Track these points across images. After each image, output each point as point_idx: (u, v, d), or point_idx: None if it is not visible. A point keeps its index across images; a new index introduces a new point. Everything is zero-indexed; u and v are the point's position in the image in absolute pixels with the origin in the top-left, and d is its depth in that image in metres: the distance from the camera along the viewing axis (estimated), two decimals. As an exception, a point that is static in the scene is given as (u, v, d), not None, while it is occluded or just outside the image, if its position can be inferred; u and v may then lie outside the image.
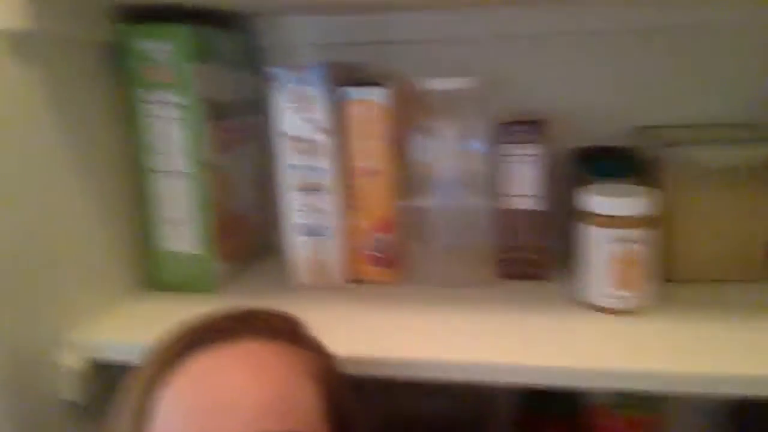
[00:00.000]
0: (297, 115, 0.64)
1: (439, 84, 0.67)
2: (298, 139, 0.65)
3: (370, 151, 0.67)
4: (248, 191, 0.77)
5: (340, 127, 0.66)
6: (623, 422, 0.77)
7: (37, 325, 0.56)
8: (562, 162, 0.74)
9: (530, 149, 0.66)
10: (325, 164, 0.65)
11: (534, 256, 0.69)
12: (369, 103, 0.65)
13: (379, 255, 0.70)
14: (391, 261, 0.70)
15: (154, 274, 0.70)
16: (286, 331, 0.47)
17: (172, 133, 0.65)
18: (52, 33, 0.55)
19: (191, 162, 0.66)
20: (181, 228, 0.68)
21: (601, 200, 0.59)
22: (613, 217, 0.58)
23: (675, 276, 0.66)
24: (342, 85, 0.66)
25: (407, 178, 0.69)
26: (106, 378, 0.60)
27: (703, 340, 0.54)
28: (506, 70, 0.77)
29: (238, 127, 0.74)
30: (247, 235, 0.77)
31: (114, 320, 0.63)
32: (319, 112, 0.64)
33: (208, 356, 0.42)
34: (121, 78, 0.65)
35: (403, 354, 0.54)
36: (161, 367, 0.42)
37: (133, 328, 0.62)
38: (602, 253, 0.60)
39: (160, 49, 0.63)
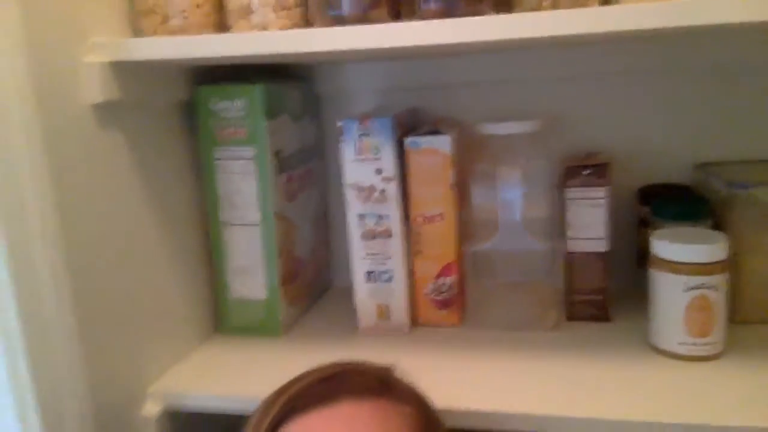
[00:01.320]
0: (364, 165, 0.66)
1: (500, 128, 0.67)
2: (364, 189, 0.66)
3: (434, 197, 0.68)
4: (309, 235, 0.79)
5: (404, 175, 0.67)
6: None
7: (120, 377, 0.57)
8: (624, 202, 0.74)
9: (597, 192, 0.66)
10: (390, 212, 0.67)
11: (599, 298, 0.69)
12: (433, 151, 0.66)
13: (442, 299, 0.70)
14: (455, 304, 0.70)
15: (224, 320, 0.72)
16: (382, 388, 0.46)
17: (244, 186, 0.67)
18: (133, 100, 0.58)
19: (261, 213, 0.67)
20: (250, 275, 0.70)
21: (675, 247, 0.59)
22: (687, 264, 0.58)
23: (739, 317, 0.65)
24: (406, 134, 0.67)
25: (471, 222, 0.70)
26: (182, 423, 0.62)
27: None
28: (565, 110, 0.77)
29: (301, 175, 0.76)
30: (309, 277, 0.79)
31: (189, 368, 0.65)
32: (385, 162, 0.65)
33: (304, 422, 0.42)
34: (197, 136, 0.68)
35: (471, 405, 0.54)
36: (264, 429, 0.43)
37: (209, 377, 0.63)
38: (676, 299, 0.59)
39: (235, 107, 0.65)
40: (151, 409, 0.60)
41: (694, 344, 0.59)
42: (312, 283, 0.80)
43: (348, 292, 0.82)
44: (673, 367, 0.59)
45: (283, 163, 0.70)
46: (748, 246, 0.64)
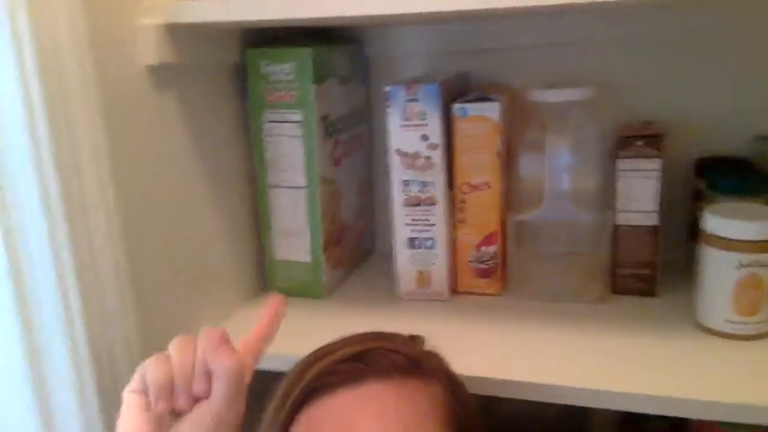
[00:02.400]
0: (410, 131, 0.65)
1: (552, 96, 0.66)
2: (410, 155, 0.66)
3: (481, 165, 0.67)
4: (353, 200, 0.79)
5: (450, 142, 0.67)
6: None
7: (169, 331, 0.59)
8: (679, 173, 0.72)
9: (649, 164, 0.64)
10: (436, 179, 0.66)
11: (647, 272, 0.68)
12: (481, 118, 0.66)
13: (484, 267, 0.70)
14: (496, 273, 0.70)
15: (269, 281, 0.74)
16: (411, 368, 0.45)
17: (291, 149, 0.68)
18: (186, 63, 0.59)
19: (308, 176, 0.68)
20: (295, 238, 0.71)
21: (727, 222, 0.57)
22: (739, 241, 0.56)
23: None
24: (454, 100, 0.67)
25: (517, 192, 0.69)
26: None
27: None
28: (620, 77, 0.74)
29: (348, 139, 0.76)
30: (352, 242, 0.80)
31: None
32: (432, 129, 0.65)
33: (332, 401, 0.42)
34: (247, 98, 0.69)
35: (510, 375, 0.54)
36: (288, 407, 0.43)
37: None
38: (726, 277, 0.58)
39: (284, 70, 0.65)
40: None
41: (743, 323, 0.58)
42: (355, 247, 0.81)
43: (390, 258, 0.83)
44: (718, 345, 0.58)
45: (330, 127, 0.70)
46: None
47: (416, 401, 0.43)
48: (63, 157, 0.47)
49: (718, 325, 0.59)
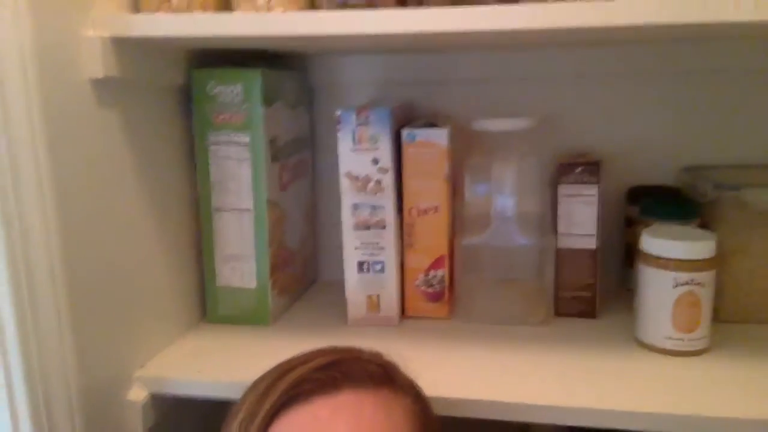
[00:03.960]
0: (360, 155, 0.66)
1: (496, 125, 0.68)
2: (360, 179, 0.66)
3: (429, 189, 0.68)
4: (299, 226, 0.78)
5: (399, 167, 0.68)
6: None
7: (107, 361, 0.56)
8: (612, 201, 0.76)
9: (589, 189, 0.67)
10: (386, 203, 0.67)
11: (588, 294, 0.70)
12: (430, 144, 0.67)
13: (432, 291, 0.71)
14: (444, 297, 0.70)
15: (211, 308, 0.71)
16: (383, 377, 0.45)
17: (238, 172, 0.66)
18: (131, 79, 0.57)
19: (255, 200, 0.67)
20: (240, 263, 0.69)
21: (665, 243, 0.60)
22: (677, 260, 0.59)
23: (721, 316, 0.66)
24: (403, 126, 0.68)
25: (463, 216, 0.70)
26: (167, 407, 0.61)
27: (765, 385, 0.55)
28: (558, 109, 0.78)
29: (294, 164, 0.75)
30: (297, 269, 0.78)
31: (176, 354, 0.64)
32: (383, 152, 0.65)
33: (306, 410, 0.42)
34: (192, 120, 0.67)
35: (460, 395, 0.54)
36: (258, 422, 0.42)
37: (196, 363, 0.62)
38: (665, 295, 0.60)
39: (232, 92, 0.64)
40: (138, 393, 0.59)
41: (681, 339, 0.60)
42: (300, 274, 0.80)
43: (334, 286, 0.82)
44: (659, 361, 0.60)
45: (277, 151, 0.70)
46: (734, 247, 0.65)
47: (390, 411, 0.44)
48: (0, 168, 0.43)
49: (658, 341, 0.61)
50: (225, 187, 0.67)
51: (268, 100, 0.67)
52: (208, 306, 0.71)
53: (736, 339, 0.63)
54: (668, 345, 0.61)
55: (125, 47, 0.55)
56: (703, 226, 0.68)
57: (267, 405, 0.42)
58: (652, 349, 0.62)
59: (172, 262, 0.66)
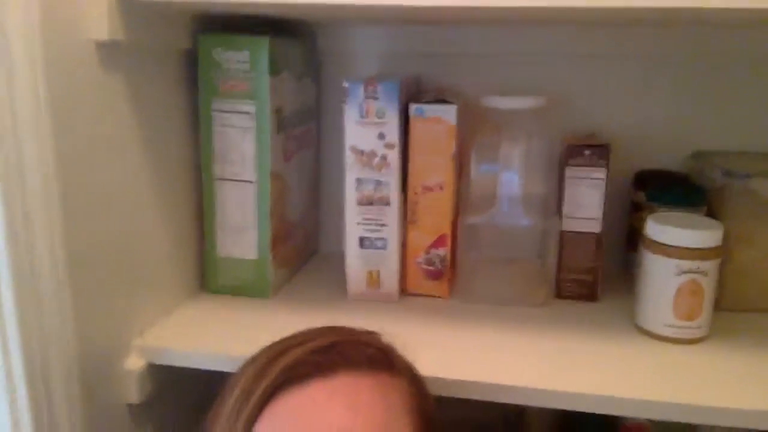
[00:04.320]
0: (366, 129, 0.65)
1: (506, 102, 0.67)
2: (366, 154, 0.65)
3: (435, 167, 0.67)
4: (301, 198, 0.78)
5: (405, 142, 0.67)
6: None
7: (104, 329, 0.56)
8: (618, 185, 0.75)
9: (596, 173, 0.66)
10: (391, 179, 0.66)
11: (590, 278, 0.70)
12: (438, 120, 0.66)
13: (433, 269, 0.70)
14: (445, 276, 0.70)
15: (211, 279, 0.70)
16: (380, 360, 0.45)
17: (242, 142, 0.65)
18: (136, 42, 0.55)
19: (258, 171, 0.66)
20: (241, 234, 0.68)
21: (670, 230, 0.60)
22: (681, 248, 0.59)
23: (723, 305, 0.66)
24: (410, 101, 0.66)
25: (468, 195, 0.69)
26: (164, 377, 0.61)
27: (761, 375, 0.55)
28: (568, 89, 0.77)
29: (299, 135, 0.74)
30: (298, 241, 0.78)
31: (175, 324, 0.64)
32: (390, 127, 0.64)
33: (303, 393, 0.41)
34: (198, 86, 0.66)
35: (457, 375, 0.54)
36: (254, 401, 0.41)
37: (194, 333, 0.62)
38: (667, 282, 0.60)
39: (238, 59, 0.63)
40: (135, 362, 0.59)
41: (681, 327, 0.60)
42: (301, 246, 0.79)
43: (335, 258, 0.82)
44: (658, 348, 0.60)
45: (282, 121, 0.68)
46: (740, 236, 0.65)
47: (386, 393, 0.43)
48: (3, 130, 0.42)
49: (658, 328, 0.61)
50: (228, 157, 0.66)
51: (275, 69, 0.65)
52: (208, 276, 0.71)
53: (736, 328, 0.64)
54: (668, 332, 0.61)
55: (131, 10, 0.53)
56: (710, 213, 0.67)
57: (263, 385, 0.42)
58: (651, 336, 0.62)
59: (171, 230, 0.65)
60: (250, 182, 0.67)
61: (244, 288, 0.70)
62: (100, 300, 0.55)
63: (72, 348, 0.51)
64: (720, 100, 0.75)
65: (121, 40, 0.53)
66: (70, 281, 0.50)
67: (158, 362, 0.59)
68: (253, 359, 0.45)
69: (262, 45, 0.63)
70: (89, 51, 0.51)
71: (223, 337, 0.61)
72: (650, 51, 0.74)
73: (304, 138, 0.77)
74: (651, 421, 0.78)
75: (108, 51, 0.53)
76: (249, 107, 0.65)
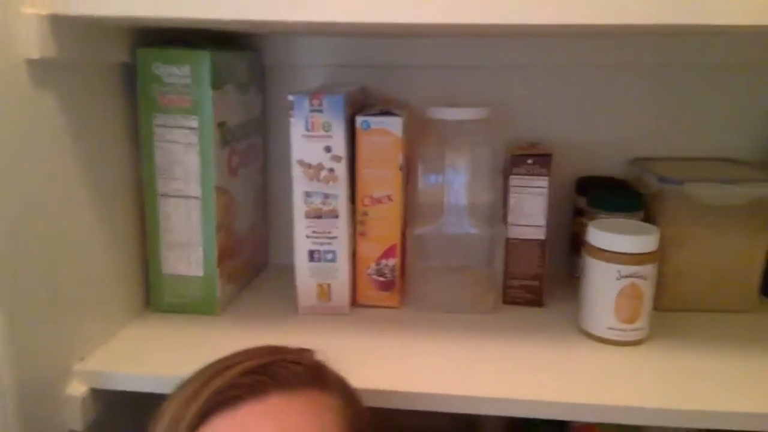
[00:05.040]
0: (313, 142, 0.64)
1: (451, 114, 0.68)
2: (313, 167, 0.65)
3: (383, 178, 0.67)
4: (248, 212, 0.77)
5: (352, 154, 0.67)
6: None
7: (44, 354, 0.54)
8: (560, 191, 0.77)
9: (539, 181, 0.68)
10: (339, 191, 0.66)
11: (536, 284, 0.72)
12: (384, 132, 0.66)
13: (384, 280, 0.70)
14: (396, 286, 0.71)
15: (156, 297, 0.69)
16: (312, 378, 0.45)
17: (186, 157, 0.64)
18: (70, 58, 0.53)
19: (203, 186, 0.65)
20: (187, 251, 0.67)
21: (611, 236, 0.61)
22: (621, 253, 0.61)
23: (661, 306, 0.69)
24: (356, 113, 0.67)
25: (415, 205, 0.70)
26: (109, 402, 0.60)
27: (701, 374, 0.57)
28: (509, 98, 0.79)
29: (245, 149, 0.73)
30: (246, 255, 0.77)
31: (118, 347, 0.62)
32: (336, 140, 0.64)
33: (234, 417, 0.41)
34: (137, 101, 0.64)
35: (408, 387, 0.55)
36: (184, 427, 0.40)
37: (140, 356, 0.60)
38: (608, 287, 0.62)
39: (178, 73, 0.62)
40: (77, 388, 0.57)
41: (623, 330, 0.62)
42: (249, 261, 0.78)
43: (285, 272, 0.81)
44: (601, 350, 0.62)
45: (226, 135, 0.67)
46: (674, 239, 0.68)
47: (318, 413, 0.43)
48: None
49: (601, 331, 0.63)
50: (171, 172, 0.65)
51: (218, 83, 0.64)
52: (153, 295, 0.69)
53: (674, 328, 0.66)
54: (610, 335, 0.63)
55: (64, 26, 0.51)
56: (647, 217, 0.70)
57: (193, 410, 0.41)
58: (595, 339, 0.64)
59: (113, 249, 0.64)
60: (195, 198, 0.65)
61: (192, 306, 0.68)
62: (36, 323, 0.52)
63: (7, 374, 0.49)
64: (658, 108, 0.78)
65: (53, 57, 0.51)
66: (4, 305, 0.48)
67: (102, 387, 0.57)
68: (183, 385, 0.44)
69: (204, 59, 0.62)
70: (20, 69, 0.49)
71: (170, 357, 0.60)
72: (589, 61, 0.77)
73: (250, 151, 0.76)
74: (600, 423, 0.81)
75: (40, 68, 0.51)
76: (192, 122, 0.63)
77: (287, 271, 0.81)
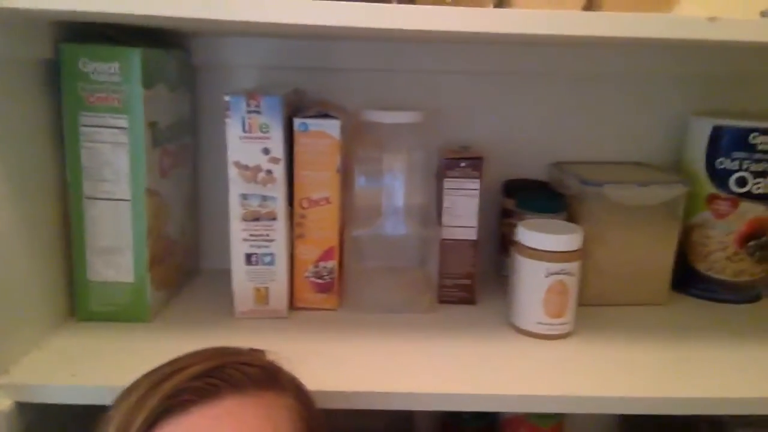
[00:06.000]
0: (250, 144, 0.64)
1: (387, 117, 0.69)
2: (250, 169, 0.64)
3: (321, 181, 0.67)
4: (179, 215, 0.74)
5: (290, 156, 0.66)
6: (532, 430, 0.85)
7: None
8: (489, 193, 0.80)
9: (472, 184, 0.71)
10: (277, 194, 0.65)
11: (468, 282, 0.74)
12: (322, 134, 0.66)
13: (322, 282, 0.71)
14: (334, 288, 0.71)
15: (82, 305, 0.65)
16: (265, 379, 0.44)
17: (115, 158, 0.61)
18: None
19: (132, 188, 0.62)
20: (116, 256, 0.64)
21: (539, 236, 0.65)
22: (549, 252, 0.64)
23: (584, 300, 0.73)
24: (293, 115, 0.66)
25: (352, 207, 0.71)
26: (37, 416, 0.56)
27: (622, 363, 0.61)
28: (440, 104, 0.81)
29: (175, 149, 0.71)
30: (177, 260, 0.75)
31: (43, 358, 0.58)
32: (274, 142, 0.64)
33: (185, 422, 0.40)
34: (62, 100, 0.61)
35: (345, 387, 0.55)
36: (136, 430, 0.39)
37: (66, 367, 0.57)
38: (535, 283, 0.65)
39: (107, 71, 0.59)
40: (1, 402, 0.53)
41: (551, 324, 0.66)
42: (181, 265, 0.76)
43: (217, 277, 0.79)
44: (531, 345, 0.65)
45: (157, 135, 0.65)
46: (595, 237, 0.72)
47: (273, 414, 0.43)
48: None
49: (530, 326, 0.66)
50: (99, 174, 0.62)
51: (149, 81, 0.62)
52: (78, 303, 0.66)
53: (596, 321, 0.70)
54: (539, 329, 0.66)
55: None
56: (570, 217, 0.74)
57: (141, 418, 0.40)
58: (525, 334, 0.67)
59: (36, 255, 0.60)
60: (125, 200, 0.63)
61: (121, 313, 0.65)
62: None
63: None
64: (577, 114, 0.83)
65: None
66: None
67: (28, 400, 0.54)
68: (129, 390, 0.42)
69: (134, 56, 0.60)
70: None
71: (100, 367, 0.57)
72: (516, 68, 0.80)
73: (181, 152, 0.74)
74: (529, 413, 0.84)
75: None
76: (121, 121, 0.61)
77: (219, 275, 0.80)
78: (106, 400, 0.51)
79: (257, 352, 0.49)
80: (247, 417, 0.41)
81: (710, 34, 0.47)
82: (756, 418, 0.83)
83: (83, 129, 0.61)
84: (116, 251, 0.64)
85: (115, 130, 0.61)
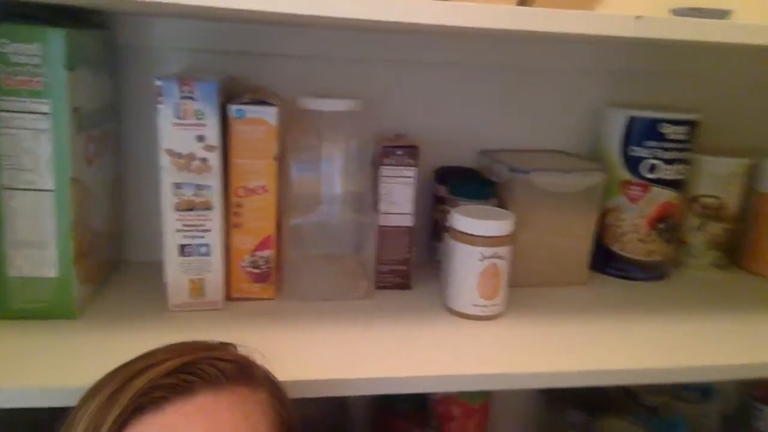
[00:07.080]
0: (184, 131, 0.62)
1: (325, 104, 0.69)
2: (184, 156, 0.62)
3: (257, 169, 0.66)
4: (104, 205, 0.71)
5: (225, 144, 0.65)
6: (462, 408, 0.88)
7: None
8: (424, 180, 0.82)
9: (408, 171, 0.72)
10: (212, 182, 0.64)
11: (404, 268, 0.76)
12: (259, 121, 0.65)
13: (259, 272, 0.70)
14: (271, 277, 0.70)
15: (1, 303, 0.61)
16: (239, 373, 0.44)
17: (36, 145, 0.57)
18: None
19: (56, 177, 0.59)
20: (38, 250, 0.61)
21: (473, 222, 0.67)
22: (483, 237, 0.67)
23: (512, 282, 0.76)
24: (227, 102, 0.65)
25: (290, 195, 0.70)
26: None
27: (549, 340, 0.65)
28: (374, 92, 0.81)
29: (100, 136, 0.68)
30: (102, 252, 0.71)
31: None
32: (210, 129, 0.62)
33: (158, 419, 0.39)
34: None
35: (283, 377, 0.53)
36: (107, 429, 0.38)
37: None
38: (470, 267, 0.68)
39: (26, 52, 0.55)
40: None
41: (484, 306, 0.69)
42: (105, 258, 0.73)
43: (144, 269, 0.77)
44: (466, 326, 0.68)
45: (81, 121, 0.62)
46: (522, 221, 0.76)
47: (247, 410, 0.42)
48: None
49: (466, 308, 0.69)
50: (18, 162, 0.58)
51: (72, 64, 0.58)
52: (-2, 299, 0.61)
53: (523, 302, 0.74)
54: (474, 311, 0.69)
55: None
56: (499, 203, 0.77)
57: (111, 417, 0.38)
58: (460, 316, 0.70)
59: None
60: (48, 191, 0.59)
61: (46, 310, 0.62)
62: None
63: None
64: (501, 105, 0.86)
65: None
66: None
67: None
68: (98, 388, 0.41)
69: (57, 36, 0.56)
70: None
71: (27, 368, 0.54)
72: (448, 59, 0.82)
73: (105, 139, 0.70)
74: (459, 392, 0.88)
75: None
76: (43, 106, 0.57)
77: (147, 267, 0.77)
78: (35, 402, 0.49)
79: (229, 346, 0.48)
80: (222, 413, 0.41)
81: (637, 31, 0.50)
82: (667, 387, 0.91)
83: (1, 114, 0.56)
84: (38, 245, 0.60)
85: (37, 116, 0.57)
